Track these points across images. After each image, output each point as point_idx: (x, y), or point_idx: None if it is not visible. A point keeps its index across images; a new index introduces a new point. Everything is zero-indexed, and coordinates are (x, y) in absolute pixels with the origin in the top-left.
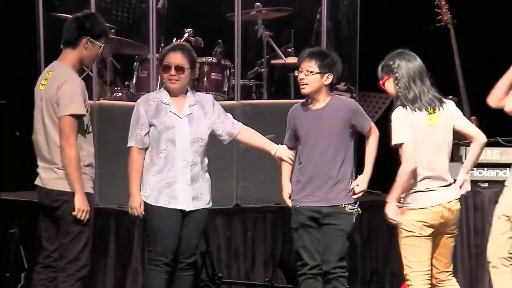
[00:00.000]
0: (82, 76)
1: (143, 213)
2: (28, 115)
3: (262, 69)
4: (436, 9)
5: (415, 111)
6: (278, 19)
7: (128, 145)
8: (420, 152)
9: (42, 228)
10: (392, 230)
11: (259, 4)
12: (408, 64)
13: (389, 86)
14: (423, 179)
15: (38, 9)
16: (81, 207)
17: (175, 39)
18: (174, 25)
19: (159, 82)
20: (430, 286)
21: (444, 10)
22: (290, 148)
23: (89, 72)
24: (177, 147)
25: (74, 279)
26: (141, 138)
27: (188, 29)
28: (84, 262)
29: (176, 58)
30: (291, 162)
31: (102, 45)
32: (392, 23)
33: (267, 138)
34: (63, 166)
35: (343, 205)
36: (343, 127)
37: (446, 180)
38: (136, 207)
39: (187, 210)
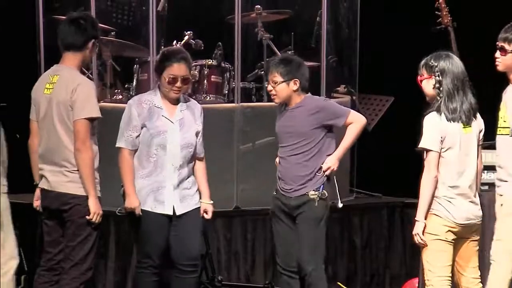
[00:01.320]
0: None
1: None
2: (28, 118)
3: (262, 72)
4: (436, 12)
5: (450, 121)
6: (278, 22)
7: (118, 145)
8: (451, 160)
9: (45, 232)
10: (392, 232)
11: (259, 6)
12: (453, 71)
13: (427, 85)
14: (451, 187)
15: (38, 11)
16: (96, 211)
17: (175, 41)
18: (174, 28)
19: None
20: None
21: (444, 13)
22: None
23: (89, 74)
24: (167, 152)
25: (78, 282)
26: (132, 140)
27: (188, 32)
28: (89, 265)
29: (182, 70)
30: (208, 217)
31: (97, 44)
32: (392, 25)
33: (267, 141)
34: (75, 170)
35: (307, 193)
36: (312, 126)
37: (474, 194)
38: (136, 207)
39: (177, 214)
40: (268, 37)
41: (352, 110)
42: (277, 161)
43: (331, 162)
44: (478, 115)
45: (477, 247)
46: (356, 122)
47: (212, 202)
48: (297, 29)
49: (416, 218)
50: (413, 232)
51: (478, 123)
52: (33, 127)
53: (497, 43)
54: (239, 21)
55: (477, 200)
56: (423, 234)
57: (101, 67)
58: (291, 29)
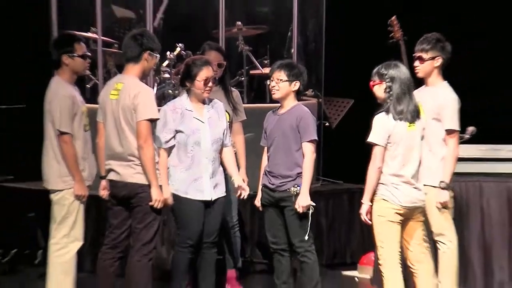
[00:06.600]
0: (91, 84)
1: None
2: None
3: (243, 78)
4: (389, 28)
5: (397, 121)
6: (256, 36)
7: (157, 146)
8: (397, 153)
9: (110, 216)
10: (352, 215)
11: (239, 23)
12: (401, 78)
13: (378, 90)
14: (397, 175)
15: (52, 26)
16: (158, 198)
17: (168, 52)
18: (168, 41)
19: (181, 90)
20: (401, 266)
21: (396, 29)
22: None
23: (96, 80)
24: (202, 148)
25: (147, 258)
26: (166, 142)
27: (180, 44)
28: (154, 245)
29: (210, 72)
30: (245, 190)
31: (158, 55)
32: (353, 38)
33: (248, 136)
34: (140, 163)
35: (289, 189)
36: (294, 132)
37: (417, 181)
38: (168, 197)
39: (212, 199)
40: (248, 49)
41: (314, 143)
42: (264, 159)
43: (303, 202)
44: (422, 114)
45: (422, 226)
46: (308, 155)
47: (243, 178)
48: (272, 42)
49: (362, 201)
50: (359, 212)
51: (422, 122)
52: (101, 128)
53: (414, 54)
54: (222, 35)
55: (421, 186)
56: (366, 215)
57: (107, 74)
58: (267, 42)
